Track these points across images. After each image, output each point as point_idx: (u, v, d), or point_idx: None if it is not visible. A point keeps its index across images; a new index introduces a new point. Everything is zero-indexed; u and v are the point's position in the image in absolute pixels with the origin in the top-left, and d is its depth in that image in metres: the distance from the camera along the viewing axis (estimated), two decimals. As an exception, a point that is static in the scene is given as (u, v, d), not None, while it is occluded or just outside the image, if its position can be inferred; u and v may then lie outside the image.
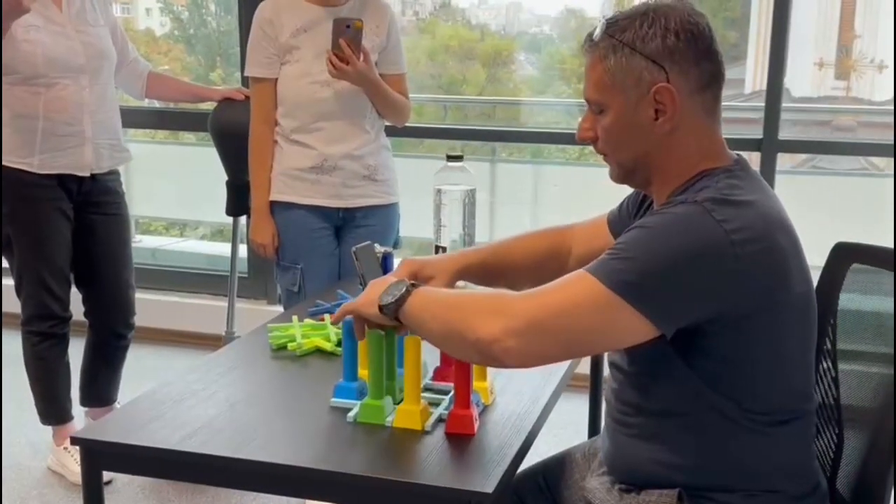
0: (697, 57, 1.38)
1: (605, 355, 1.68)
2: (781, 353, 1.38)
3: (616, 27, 1.40)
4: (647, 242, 1.32)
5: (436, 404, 1.59)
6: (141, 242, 5.01)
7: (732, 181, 1.37)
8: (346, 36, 2.52)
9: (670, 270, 1.29)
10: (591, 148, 1.51)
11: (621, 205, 1.71)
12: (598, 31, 1.42)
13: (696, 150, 1.42)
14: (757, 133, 3.50)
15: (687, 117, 1.39)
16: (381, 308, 1.44)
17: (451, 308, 1.39)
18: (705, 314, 1.32)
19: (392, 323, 1.47)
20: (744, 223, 1.31)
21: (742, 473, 1.40)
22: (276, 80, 2.68)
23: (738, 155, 1.46)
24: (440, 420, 1.55)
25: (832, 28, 6.26)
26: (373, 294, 1.47)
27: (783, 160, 3.65)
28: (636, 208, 1.64)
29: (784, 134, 3.50)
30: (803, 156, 4.82)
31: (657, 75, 1.37)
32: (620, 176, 1.49)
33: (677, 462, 1.42)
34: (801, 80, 6.04)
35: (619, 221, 1.69)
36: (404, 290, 1.43)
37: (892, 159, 3.49)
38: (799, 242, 1.39)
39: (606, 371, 1.57)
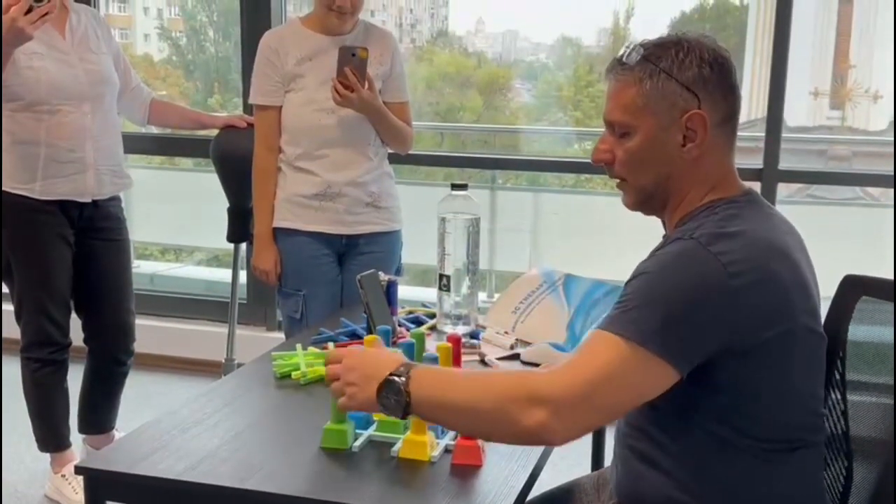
0: (725, 90, 1.42)
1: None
2: (786, 384, 1.38)
3: (651, 53, 1.41)
4: (650, 287, 1.34)
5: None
6: (139, 268, 5.00)
7: (732, 212, 1.39)
8: (351, 64, 2.54)
9: (676, 310, 1.30)
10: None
11: None
12: (632, 56, 1.43)
13: (710, 180, 1.44)
14: (756, 163, 3.51)
15: (711, 147, 1.42)
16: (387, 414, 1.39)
17: (475, 399, 1.33)
18: (714, 347, 1.32)
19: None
20: (740, 255, 1.32)
21: (750, 502, 1.40)
22: (280, 107, 2.69)
23: (748, 187, 1.47)
24: (447, 451, 1.54)
25: (827, 57, 6.29)
26: (364, 389, 1.39)
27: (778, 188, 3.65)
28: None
29: (782, 163, 3.51)
30: (797, 185, 4.82)
31: (690, 103, 1.40)
32: (636, 202, 1.50)
33: (685, 490, 1.41)
34: (797, 109, 6.05)
35: None
36: (401, 390, 1.35)
37: (889, 189, 3.50)
38: (804, 274, 1.40)
39: None
